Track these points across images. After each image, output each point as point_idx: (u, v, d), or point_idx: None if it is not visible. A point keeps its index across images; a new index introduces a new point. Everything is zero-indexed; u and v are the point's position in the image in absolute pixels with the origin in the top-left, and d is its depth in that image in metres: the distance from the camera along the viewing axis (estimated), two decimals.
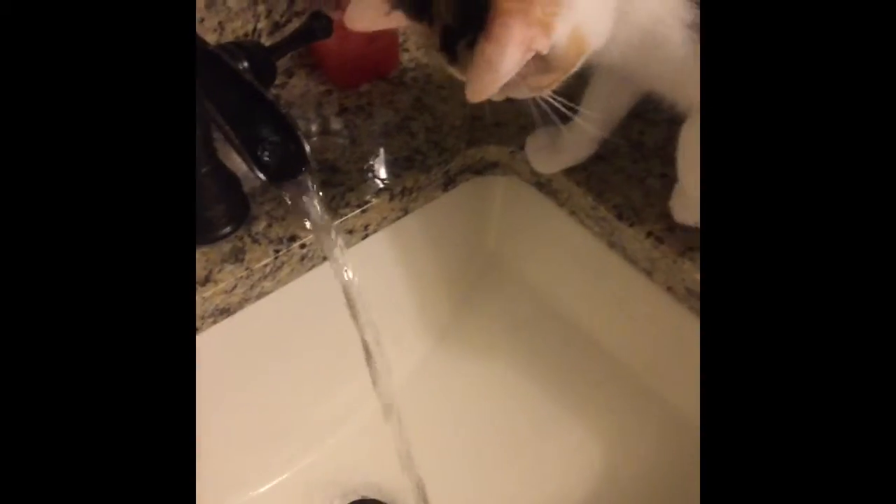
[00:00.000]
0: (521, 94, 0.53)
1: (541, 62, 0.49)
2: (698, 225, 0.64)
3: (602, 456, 0.73)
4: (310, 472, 0.76)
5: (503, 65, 0.46)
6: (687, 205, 0.64)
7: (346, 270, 0.54)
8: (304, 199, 0.51)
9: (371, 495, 0.75)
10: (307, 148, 0.50)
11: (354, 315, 0.56)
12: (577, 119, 0.59)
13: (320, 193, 0.52)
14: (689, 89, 0.56)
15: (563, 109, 0.54)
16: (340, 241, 0.54)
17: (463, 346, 0.81)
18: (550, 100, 0.54)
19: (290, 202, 0.51)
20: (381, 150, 0.73)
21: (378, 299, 0.76)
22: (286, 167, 0.49)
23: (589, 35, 0.50)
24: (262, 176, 0.48)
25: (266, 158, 0.48)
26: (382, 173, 0.71)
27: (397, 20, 0.51)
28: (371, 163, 0.72)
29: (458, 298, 0.82)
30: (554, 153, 0.70)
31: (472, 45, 0.48)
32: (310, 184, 0.51)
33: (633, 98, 0.65)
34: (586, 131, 0.65)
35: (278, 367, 0.72)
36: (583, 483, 0.72)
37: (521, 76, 0.49)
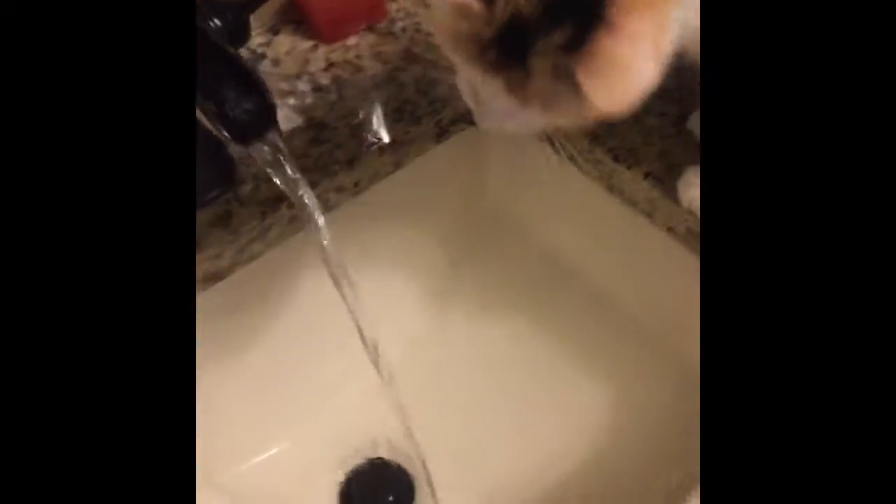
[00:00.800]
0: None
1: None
2: None
3: (606, 407, 0.72)
4: (312, 436, 0.75)
5: (645, 70, 0.37)
6: None
7: (324, 238, 0.53)
8: (273, 158, 0.49)
9: (376, 455, 0.75)
10: (273, 105, 0.48)
11: (336, 284, 0.54)
12: None
13: (287, 154, 0.50)
14: None
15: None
16: (314, 202, 0.52)
17: (463, 303, 0.80)
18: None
19: (259, 163, 0.50)
20: (370, 104, 0.71)
21: (373, 259, 0.75)
22: (253, 126, 0.48)
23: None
24: (227, 136, 0.47)
25: (230, 119, 0.46)
26: (372, 127, 0.69)
27: None
28: (360, 117, 0.70)
29: (457, 254, 0.81)
30: None
31: (563, 49, 0.38)
32: (279, 142, 0.49)
33: None
34: None
35: (273, 331, 0.71)
36: (588, 435, 0.71)
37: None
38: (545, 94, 0.42)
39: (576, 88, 0.39)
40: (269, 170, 0.50)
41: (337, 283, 0.54)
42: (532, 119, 0.47)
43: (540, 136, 0.72)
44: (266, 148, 0.49)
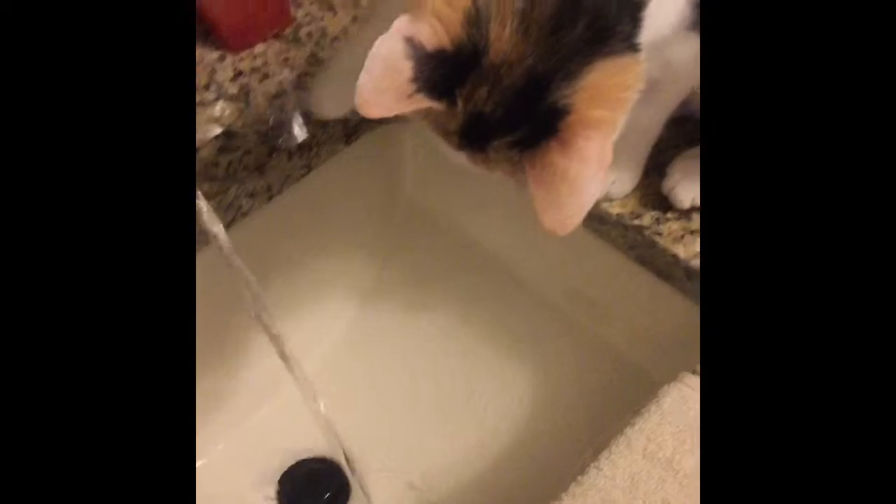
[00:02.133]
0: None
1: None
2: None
3: (529, 389, 0.74)
4: (245, 441, 0.77)
5: (589, 189, 0.39)
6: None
7: (227, 251, 0.53)
8: None
9: (310, 455, 0.76)
10: None
11: (245, 299, 0.55)
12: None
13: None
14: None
15: None
16: (212, 215, 0.53)
17: (388, 298, 0.81)
18: None
19: None
20: (278, 110, 0.72)
21: (294, 262, 0.76)
22: None
23: None
24: None
25: None
26: (280, 132, 0.70)
27: (418, 102, 0.44)
28: (268, 123, 0.71)
29: (380, 254, 0.82)
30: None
31: (517, 146, 0.42)
32: None
33: None
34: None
35: (200, 342, 0.72)
36: (513, 418, 0.73)
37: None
38: (506, 171, 0.46)
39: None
40: None
41: (245, 298, 0.55)
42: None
43: None
44: None
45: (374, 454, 0.73)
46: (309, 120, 0.71)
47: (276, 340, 0.58)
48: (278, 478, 0.76)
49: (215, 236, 0.54)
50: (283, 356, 0.59)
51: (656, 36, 0.46)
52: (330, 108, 0.68)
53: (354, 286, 0.81)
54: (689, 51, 0.50)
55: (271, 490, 0.76)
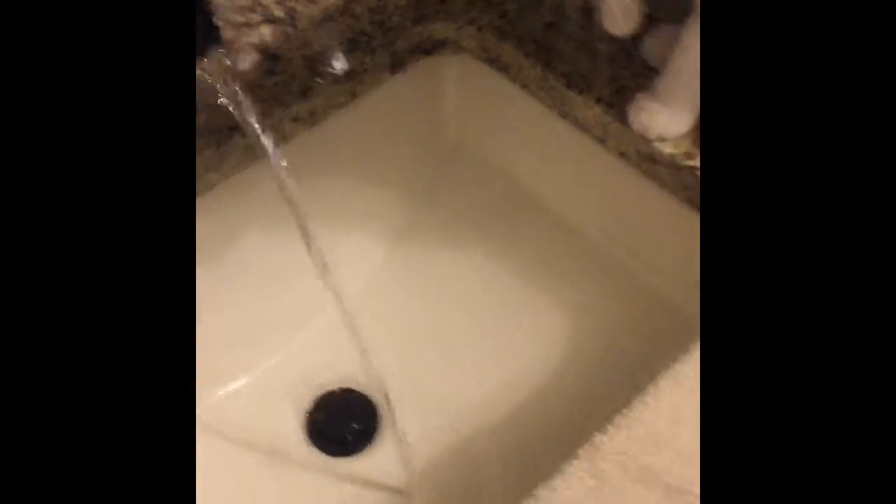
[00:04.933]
0: None
1: None
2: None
3: (566, 330, 0.73)
4: (278, 369, 0.76)
5: None
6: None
7: (282, 173, 0.53)
8: (221, 78, 0.50)
9: (346, 386, 0.76)
10: (219, 24, 0.48)
11: (298, 219, 0.54)
12: None
13: (235, 76, 0.50)
14: None
15: None
16: (266, 137, 0.52)
17: (424, 235, 0.80)
18: None
19: (208, 79, 0.50)
20: (325, 35, 0.71)
21: (331, 193, 0.76)
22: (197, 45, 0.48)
23: None
24: None
25: None
26: (325, 58, 0.69)
27: None
28: (314, 48, 0.70)
29: (418, 188, 0.81)
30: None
31: None
32: (226, 62, 0.49)
33: None
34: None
35: (234, 264, 0.72)
36: (548, 359, 0.72)
37: None
38: None
39: None
40: (221, 93, 0.51)
41: (297, 218, 0.55)
42: None
43: (495, 65, 0.73)
44: (214, 68, 0.49)
45: (406, 389, 0.73)
46: (356, 47, 0.70)
47: (317, 256, 0.58)
48: (309, 407, 0.76)
49: (265, 151, 0.53)
50: (324, 272, 0.58)
51: None
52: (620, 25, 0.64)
53: (392, 220, 0.80)
54: None
55: (301, 418, 0.76)
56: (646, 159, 0.64)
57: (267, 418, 0.75)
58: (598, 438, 0.49)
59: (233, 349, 0.75)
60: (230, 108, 0.52)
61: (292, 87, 0.67)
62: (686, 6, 0.59)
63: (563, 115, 0.69)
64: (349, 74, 0.69)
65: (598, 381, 0.70)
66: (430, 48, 0.74)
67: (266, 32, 0.71)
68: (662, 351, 0.58)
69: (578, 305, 0.73)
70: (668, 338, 0.64)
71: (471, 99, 0.78)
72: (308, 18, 0.72)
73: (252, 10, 0.73)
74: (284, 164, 0.54)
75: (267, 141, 0.53)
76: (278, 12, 0.73)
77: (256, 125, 0.53)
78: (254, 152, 0.66)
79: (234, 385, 0.76)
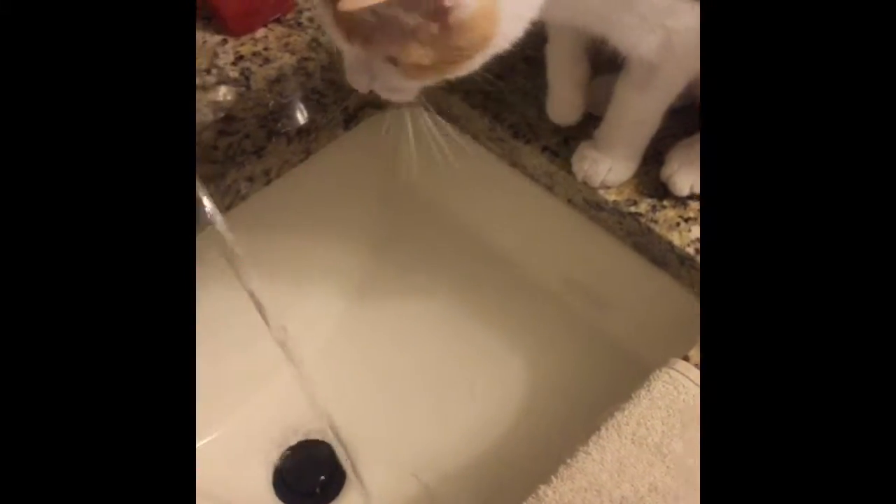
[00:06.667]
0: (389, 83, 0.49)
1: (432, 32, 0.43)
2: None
3: (524, 376, 0.74)
4: (243, 423, 0.77)
5: None
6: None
7: (225, 234, 0.54)
8: None
9: (306, 438, 0.77)
10: None
11: (245, 287, 0.55)
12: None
13: None
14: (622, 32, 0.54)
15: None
16: (210, 202, 0.53)
17: (384, 284, 0.81)
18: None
19: None
20: (278, 95, 0.73)
21: (291, 247, 0.77)
22: None
23: (504, 20, 0.44)
24: None
25: None
26: (279, 117, 0.71)
27: None
28: (268, 107, 0.72)
29: (374, 239, 0.82)
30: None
31: None
32: None
33: (586, 53, 0.63)
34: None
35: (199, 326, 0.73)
36: (508, 405, 0.73)
37: (402, 37, 0.43)
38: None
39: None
40: None
41: (245, 286, 0.56)
42: (388, 75, 0.49)
43: (445, 116, 0.74)
44: None
45: (370, 439, 0.74)
46: (308, 105, 0.71)
47: (272, 326, 0.59)
48: (275, 460, 0.77)
49: (212, 219, 0.55)
50: (280, 341, 0.60)
51: None
52: (564, 115, 0.67)
53: (351, 272, 0.81)
54: (690, 23, 0.50)
55: (268, 472, 0.76)
56: (592, 206, 0.65)
57: (234, 474, 0.76)
58: (542, 490, 0.50)
59: (197, 406, 0.76)
60: None
61: (246, 146, 0.69)
62: None
63: (513, 164, 0.70)
64: (302, 132, 0.71)
65: (555, 428, 0.70)
66: (381, 103, 0.75)
67: (222, 93, 0.73)
68: (616, 397, 0.59)
69: (536, 352, 0.74)
70: (622, 382, 0.65)
71: (424, 150, 0.79)
72: (263, 78, 0.74)
73: (208, 72, 0.75)
74: (228, 233, 0.55)
75: (211, 207, 0.54)
76: (233, 73, 0.75)
77: (203, 192, 0.54)
78: (203, 219, 0.68)
79: (202, 441, 0.76)
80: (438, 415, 0.76)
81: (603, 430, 0.51)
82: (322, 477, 0.76)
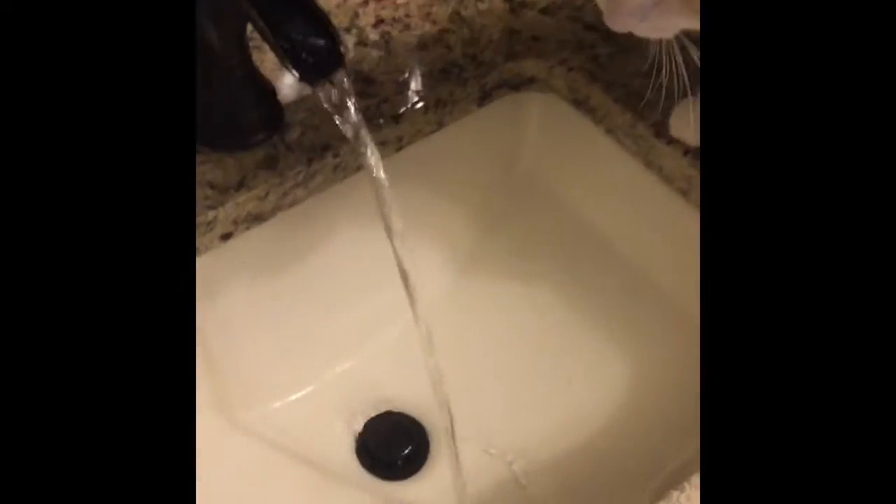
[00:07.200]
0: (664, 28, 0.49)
1: None
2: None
3: (630, 374, 0.73)
4: (338, 383, 0.77)
5: None
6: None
7: (378, 169, 0.54)
8: (338, 99, 0.50)
9: (399, 409, 0.76)
10: (342, 46, 0.49)
11: (384, 217, 0.55)
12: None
13: (353, 95, 0.51)
14: None
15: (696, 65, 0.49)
16: (372, 144, 0.53)
17: (493, 267, 0.81)
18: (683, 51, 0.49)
19: (324, 104, 0.51)
20: (418, 63, 0.72)
21: (408, 217, 0.76)
22: (321, 65, 0.49)
23: None
24: (295, 73, 0.48)
25: (301, 56, 0.48)
26: (417, 85, 0.70)
27: None
28: (406, 75, 0.71)
29: (488, 219, 0.82)
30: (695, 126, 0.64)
31: None
32: (346, 84, 0.50)
33: None
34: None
35: (309, 277, 0.73)
36: (609, 400, 0.72)
37: None
38: None
39: None
40: (333, 111, 0.51)
41: (388, 228, 0.55)
42: (669, 15, 0.47)
43: (582, 107, 0.73)
44: (333, 90, 0.50)
45: (462, 418, 0.73)
46: (447, 77, 0.71)
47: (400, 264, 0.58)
48: (360, 427, 0.76)
49: (369, 166, 0.54)
50: (406, 280, 0.59)
51: None
52: (689, 135, 0.66)
53: (463, 247, 0.81)
54: None
55: (351, 438, 0.76)
56: None
57: (319, 433, 0.76)
58: (675, 496, 0.49)
59: (293, 360, 0.76)
60: (340, 124, 0.53)
61: (384, 110, 0.68)
62: None
63: (647, 164, 0.69)
64: (438, 103, 0.70)
65: (656, 432, 0.70)
66: (518, 84, 0.74)
67: (361, 54, 0.72)
68: None
69: (641, 353, 0.73)
70: None
71: (553, 138, 0.78)
72: (402, 45, 0.74)
73: (348, 31, 0.75)
74: (386, 184, 0.55)
75: (376, 157, 0.54)
76: (373, 36, 0.74)
77: (368, 142, 0.54)
78: (342, 172, 0.68)
79: (290, 397, 0.76)
80: (531, 403, 0.75)
81: None
82: (405, 450, 0.76)
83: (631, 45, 0.70)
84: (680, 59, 0.53)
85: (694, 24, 0.48)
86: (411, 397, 0.77)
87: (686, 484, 0.50)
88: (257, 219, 0.65)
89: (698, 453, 0.53)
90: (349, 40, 0.74)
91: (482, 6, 0.77)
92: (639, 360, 0.73)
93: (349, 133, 0.52)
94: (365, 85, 0.70)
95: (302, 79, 0.48)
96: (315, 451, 0.75)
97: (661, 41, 0.53)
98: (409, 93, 0.70)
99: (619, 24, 0.49)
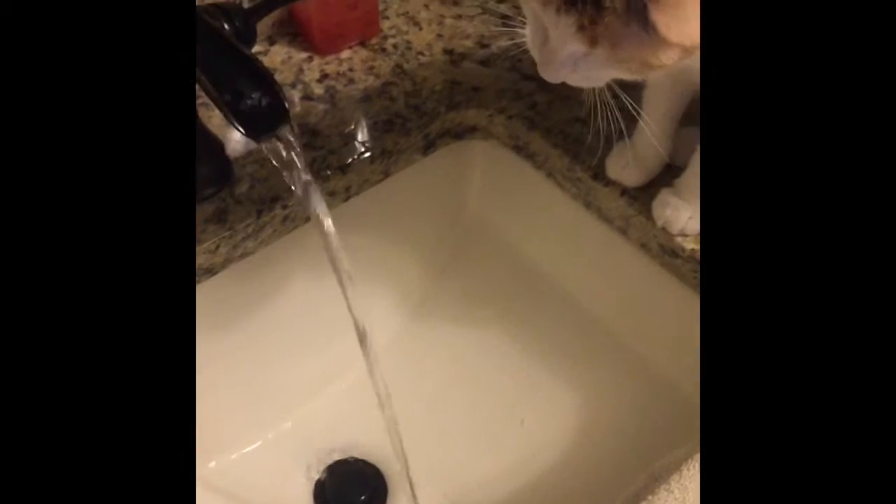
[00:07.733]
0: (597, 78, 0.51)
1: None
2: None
3: (578, 411, 0.75)
4: (293, 433, 0.77)
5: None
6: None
7: (326, 220, 0.55)
8: (285, 152, 0.52)
9: (356, 456, 0.77)
10: (286, 102, 0.51)
11: (335, 266, 0.57)
12: (641, 128, 0.59)
13: (299, 148, 0.53)
14: None
15: (629, 110, 0.53)
16: (318, 194, 0.55)
17: (444, 310, 0.82)
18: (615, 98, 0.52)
19: (271, 158, 0.53)
20: (362, 115, 0.74)
21: (358, 265, 0.78)
22: (266, 121, 0.50)
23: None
24: (241, 129, 0.50)
25: (245, 112, 0.49)
26: (363, 136, 0.72)
27: None
28: (352, 127, 0.73)
29: (437, 265, 0.84)
30: (631, 168, 0.68)
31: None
32: (290, 137, 0.52)
33: (685, 99, 0.64)
34: (650, 144, 0.64)
35: (263, 328, 0.74)
36: (560, 439, 0.74)
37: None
38: (615, 34, 0.46)
39: (644, 28, 0.44)
40: (279, 166, 0.53)
41: (339, 277, 0.57)
42: (597, 67, 0.49)
43: (522, 153, 0.76)
44: (280, 144, 0.51)
45: (416, 461, 0.74)
46: (391, 128, 0.73)
47: (353, 318, 0.59)
48: (318, 474, 0.77)
49: (318, 218, 0.56)
50: (362, 340, 0.60)
51: None
52: (626, 176, 0.68)
53: (413, 292, 0.83)
54: None
55: (310, 485, 0.77)
56: (667, 252, 0.67)
57: (276, 484, 0.76)
58: None
59: (249, 411, 0.76)
60: (287, 177, 0.54)
61: (331, 161, 0.70)
62: None
63: (587, 205, 0.72)
64: (384, 153, 0.72)
65: (608, 465, 0.71)
66: (461, 133, 0.77)
67: (305, 108, 0.74)
68: (671, 440, 0.61)
69: (590, 389, 0.75)
70: (679, 426, 0.66)
71: (497, 183, 0.81)
72: (347, 98, 0.76)
73: (293, 86, 0.77)
74: (333, 234, 0.56)
75: (321, 208, 0.56)
76: (318, 90, 0.76)
77: (313, 195, 0.55)
78: (291, 223, 0.69)
79: (247, 448, 0.77)
80: (486, 444, 0.76)
81: (685, 469, 0.52)
82: (363, 497, 0.76)
83: (567, 93, 0.73)
84: (613, 105, 0.56)
85: (621, 73, 0.51)
86: (368, 443, 0.78)
87: None
88: (208, 272, 0.66)
89: (645, 487, 0.55)
90: (295, 95, 0.76)
91: (423, 59, 0.79)
92: (587, 398, 0.75)
93: (296, 185, 0.54)
94: (312, 137, 0.72)
95: (247, 134, 0.50)
96: (273, 501, 0.75)
97: (594, 89, 0.55)
98: (356, 144, 0.72)
99: (551, 75, 0.52)
